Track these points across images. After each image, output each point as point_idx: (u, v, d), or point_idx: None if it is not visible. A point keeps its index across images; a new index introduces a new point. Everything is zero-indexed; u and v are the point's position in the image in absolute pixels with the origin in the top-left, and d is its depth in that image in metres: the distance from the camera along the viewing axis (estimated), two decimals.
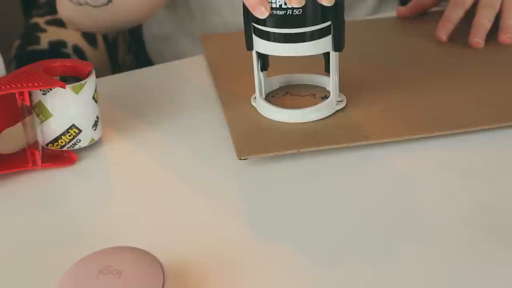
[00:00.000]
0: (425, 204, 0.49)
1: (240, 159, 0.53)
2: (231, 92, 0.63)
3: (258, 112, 0.59)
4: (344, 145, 0.54)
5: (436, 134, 0.55)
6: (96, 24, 0.81)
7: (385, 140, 0.55)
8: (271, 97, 0.61)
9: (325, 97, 0.60)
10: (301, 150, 0.54)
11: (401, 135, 0.55)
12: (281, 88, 0.63)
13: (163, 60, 0.96)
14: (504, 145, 0.55)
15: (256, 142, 0.55)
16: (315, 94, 0.61)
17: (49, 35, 0.96)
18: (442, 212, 0.47)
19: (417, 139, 0.55)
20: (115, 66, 1.02)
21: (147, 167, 0.55)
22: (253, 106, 0.60)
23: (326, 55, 0.57)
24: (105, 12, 0.76)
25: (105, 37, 1.00)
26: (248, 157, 0.53)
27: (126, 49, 1.07)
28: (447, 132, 0.55)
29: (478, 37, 0.70)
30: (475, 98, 0.60)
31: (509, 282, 0.41)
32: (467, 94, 0.61)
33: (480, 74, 0.65)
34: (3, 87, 0.50)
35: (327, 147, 0.54)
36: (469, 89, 0.62)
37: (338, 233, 0.46)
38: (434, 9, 0.80)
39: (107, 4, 0.74)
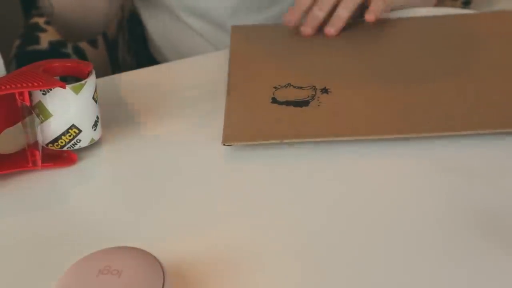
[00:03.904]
0: (423, 203, 0.49)
1: (224, 145, 0.54)
2: (242, 82, 0.65)
3: (260, 102, 0.60)
4: (329, 138, 0.55)
5: (423, 135, 0.55)
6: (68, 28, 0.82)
7: (370, 137, 0.55)
8: (274, 89, 0.62)
9: (325, 89, 0.61)
10: (284, 141, 0.55)
11: (387, 133, 0.55)
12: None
13: (165, 55, 0.97)
14: (503, 145, 0.55)
15: (244, 130, 0.56)
16: (315, 86, 0.62)
17: (49, 35, 0.96)
18: (439, 212, 0.47)
19: (415, 138, 0.55)
20: (115, 66, 1.02)
21: (147, 167, 0.55)
22: (257, 98, 0.61)
23: None
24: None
25: (105, 37, 1.00)
26: (232, 144, 0.55)
27: (126, 49, 1.07)
28: (435, 134, 0.56)
29: (331, 26, 0.72)
30: (467, 102, 0.60)
31: (508, 281, 0.41)
32: (463, 97, 0.61)
33: (480, 78, 0.65)
34: (3, 87, 0.50)
35: (320, 139, 0.55)
36: (467, 92, 0.62)
37: (335, 232, 0.46)
38: (433, 14, 0.80)
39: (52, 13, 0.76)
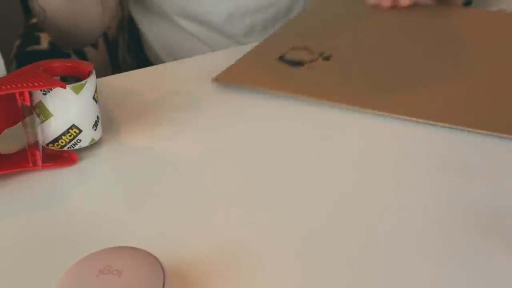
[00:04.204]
0: (423, 203, 0.49)
1: (213, 82, 0.63)
2: (274, 41, 0.71)
3: (269, 58, 0.67)
4: (295, 95, 0.61)
5: (398, 116, 0.58)
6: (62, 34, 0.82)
7: (347, 106, 0.59)
8: (290, 49, 0.69)
9: (328, 56, 0.67)
10: (255, 88, 0.61)
11: (351, 104, 0.59)
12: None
13: (161, 58, 0.97)
14: (503, 145, 0.55)
15: (235, 75, 0.64)
16: (323, 52, 0.68)
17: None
18: (439, 212, 0.47)
19: (415, 138, 0.56)
20: (115, 66, 1.02)
21: (147, 167, 0.55)
22: (270, 54, 0.68)
23: None
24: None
25: (105, 37, 1.00)
26: (218, 82, 0.63)
27: (126, 49, 1.07)
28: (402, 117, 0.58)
29: None
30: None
31: (508, 281, 0.41)
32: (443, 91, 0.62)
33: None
34: (3, 87, 0.50)
35: (287, 94, 0.61)
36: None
37: (335, 232, 0.46)
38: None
39: (44, 19, 0.76)
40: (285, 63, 0.66)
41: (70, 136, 0.54)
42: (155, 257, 0.38)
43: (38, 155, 0.53)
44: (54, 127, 0.54)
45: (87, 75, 0.54)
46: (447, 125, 0.56)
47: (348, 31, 0.74)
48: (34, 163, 0.53)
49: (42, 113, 0.53)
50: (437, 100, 0.60)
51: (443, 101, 0.60)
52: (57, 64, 0.56)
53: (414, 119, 0.57)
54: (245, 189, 0.52)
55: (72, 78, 0.55)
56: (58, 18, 0.76)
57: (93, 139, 0.55)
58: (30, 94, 0.53)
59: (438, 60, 0.68)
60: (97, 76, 0.56)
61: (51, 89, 0.52)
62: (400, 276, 0.42)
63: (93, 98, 0.54)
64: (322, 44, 0.69)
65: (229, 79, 0.64)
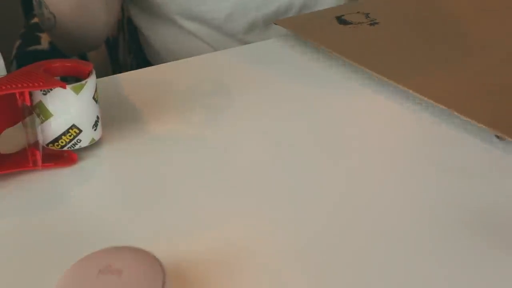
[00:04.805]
0: (421, 203, 0.49)
1: (275, 23, 0.72)
2: (347, 7, 0.77)
3: (330, 17, 0.73)
4: (347, 59, 0.64)
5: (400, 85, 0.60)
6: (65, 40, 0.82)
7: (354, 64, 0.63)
8: (356, 13, 0.74)
9: (375, 22, 0.71)
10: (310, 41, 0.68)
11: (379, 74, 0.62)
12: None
13: (164, 60, 0.97)
14: (503, 145, 0.55)
15: (296, 24, 0.72)
16: (375, 19, 0.72)
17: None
18: (438, 212, 0.47)
19: (415, 136, 0.56)
20: (116, 66, 1.02)
21: (147, 166, 0.55)
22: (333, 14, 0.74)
23: None
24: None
25: None
26: (279, 25, 0.70)
27: (127, 49, 1.07)
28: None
29: None
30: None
31: (508, 281, 0.41)
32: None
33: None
34: (3, 87, 0.50)
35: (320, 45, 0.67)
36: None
37: (334, 235, 0.46)
38: None
39: (54, 25, 0.76)
40: (338, 22, 0.71)
41: (70, 136, 0.54)
42: (155, 257, 0.38)
43: (39, 155, 0.53)
44: (54, 127, 0.54)
45: (87, 75, 0.54)
46: (454, 112, 0.56)
47: (411, 6, 0.78)
48: (34, 163, 0.53)
49: (42, 113, 0.53)
50: (452, 86, 0.60)
51: (457, 88, 0.60)
52: (57, 64, 0.56)
53: (425, 98, 0.58)
54: (246, 189, 0.52)
55: (72, 78, 0.55)
56: (67, 23, 0.76)
57: (93, 139, 0.55)
58: (30, 94, 0.53)
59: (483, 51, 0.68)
60: (97, 76, 0.56)
61: (51, 89, 0.52)
62: (399, 276, 0.42)
63: (93, 98, 0.54)
64: (381, 13, 0.74)
65: (288, 25, 0.72)
